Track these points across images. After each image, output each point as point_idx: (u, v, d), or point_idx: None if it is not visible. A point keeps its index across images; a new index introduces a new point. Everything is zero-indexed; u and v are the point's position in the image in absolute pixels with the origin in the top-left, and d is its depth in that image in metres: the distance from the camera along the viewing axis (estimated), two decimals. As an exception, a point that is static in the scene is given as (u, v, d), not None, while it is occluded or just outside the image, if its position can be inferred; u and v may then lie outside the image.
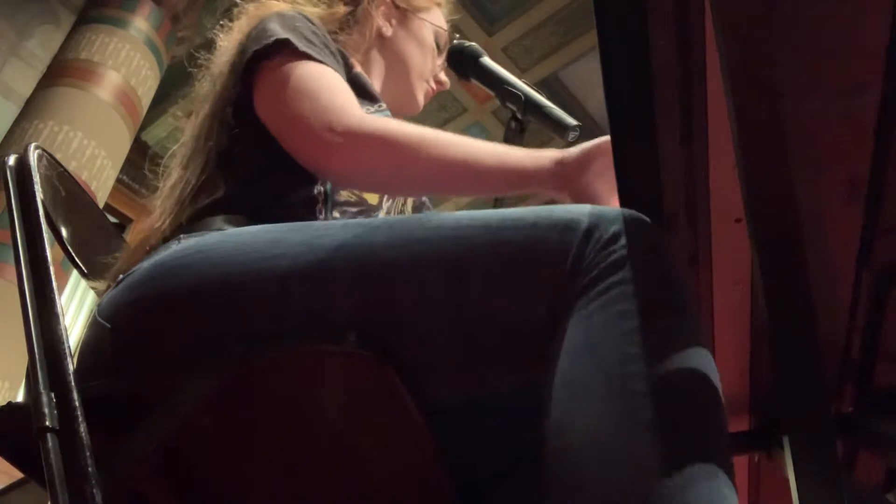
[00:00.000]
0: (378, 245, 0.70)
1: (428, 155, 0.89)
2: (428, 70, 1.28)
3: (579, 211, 0.67)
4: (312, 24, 1.07)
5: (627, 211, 0.67)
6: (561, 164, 0.89)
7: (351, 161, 0.90)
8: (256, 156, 0.96)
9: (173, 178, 1.00)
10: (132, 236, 1.02)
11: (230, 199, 0.93)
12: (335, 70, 1.00)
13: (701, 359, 0.61)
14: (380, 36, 1.22)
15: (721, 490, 0.55)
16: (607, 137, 0.89)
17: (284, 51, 0.97)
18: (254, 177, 0.96)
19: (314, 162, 0.92)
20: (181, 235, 0.85)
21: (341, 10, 1.18)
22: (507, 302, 0.66)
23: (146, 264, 0.77)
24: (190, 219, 0.91)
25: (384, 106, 1.11)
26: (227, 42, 1.08)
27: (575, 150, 0.91)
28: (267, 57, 0.97)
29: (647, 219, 0.67)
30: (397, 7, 1.25)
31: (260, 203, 0.92)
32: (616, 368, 0.59)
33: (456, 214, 0.71)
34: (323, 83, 0.95)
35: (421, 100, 1.28)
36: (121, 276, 0.80)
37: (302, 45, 0.98)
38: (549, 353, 0.63)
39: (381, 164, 0.90)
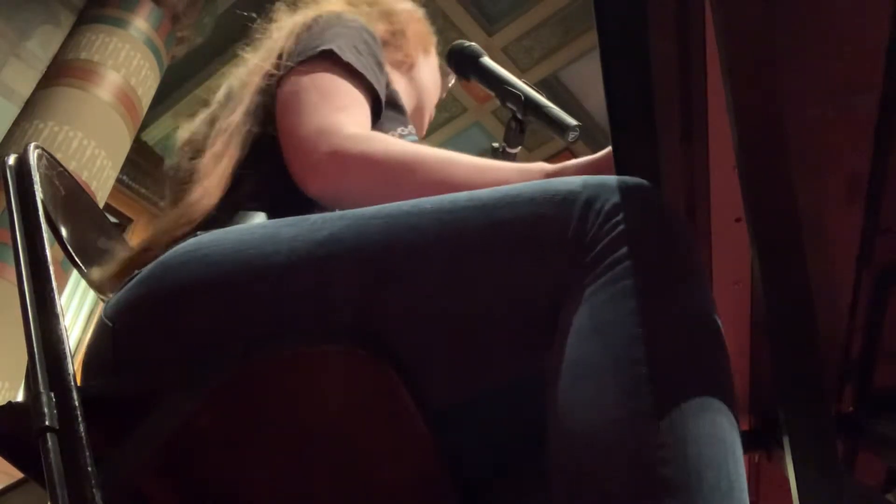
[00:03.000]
0: (374, 236, 0.69)
1: (414, 179, 0.87)
2: (434, 103, 1.32)
3: (577, 182, 0.65)
4: (370, 33, 1.07)
5: (627, 178, 0.65)
6: None
7: (330, 182, 0.88)
8: (276, 157, 0.95)
9: (195, 177, 0.98)
10: (137, 237, 1.01)
11: (248, 197, 0.91)
12: (369, 85, 0.98)
13: (708, 334, 0.59)
14: (410, 65, 1.23)
15: (727, 468, 0.54)
16: (601, 154, 0.89)
17: (322, 58, 0.97)
18: (272, 177, 0.95)
19: (297, 178, 0.90)
20: (198, 232, 0.84)
21: (381, 27, 1.18)
22: (509, 286, 0.65)
23: (150, 265, 0.77)
24: (206, 218, 0.90)
25: (413, 129, 1.10)
26: (284, 29, 1.07)
27: (570, 166, 0.90)
28: (305, 68, 0.97)
29: (647, 183, 0.64)
30: (422, 38, 1.26)
31: (275, 203, 0.91)
32: (622, 350, 0.57)
33: (453, 196, 0.69)
34: (332, 97, 0.94)
35: (425, 130, 1.31)
36: (130, 275, 0.80)
37: (347, 55, 0.97)
38: (554, 335, 0.62)
39: (361, 186, 0.88)
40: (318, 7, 1.12)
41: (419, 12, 1.29)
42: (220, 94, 1.07)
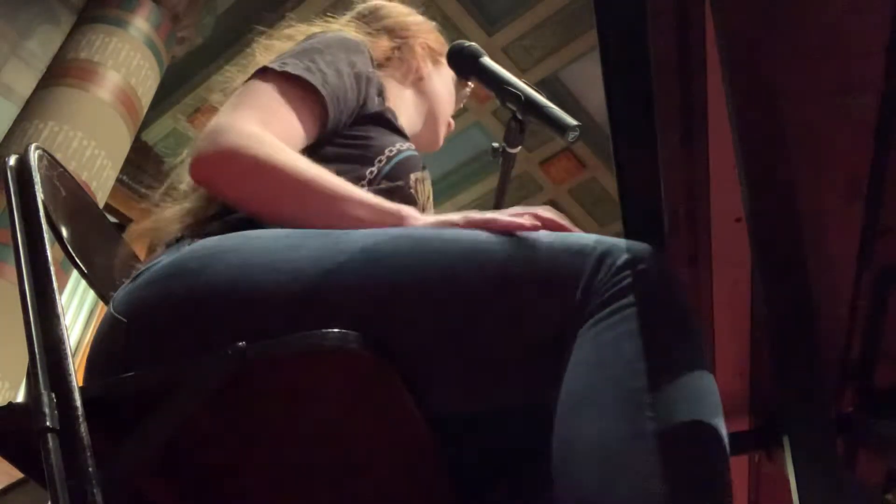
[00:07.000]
0: (394, 253, 0.71)
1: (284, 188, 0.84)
2: (450, 113, 1.31)
3: (590, 238, 0.70)
4: (352, 45, 1.05)
5: (636, 243, 0.69)
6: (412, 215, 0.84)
7: (208, 175, 0.87)
8: None
9: (189, 187, 0.98)
10: (137, 231, 1.01)
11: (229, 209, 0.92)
12: (310, 87, 0.94)
13: (704, 376, 0.63)
14: (418, 76, 1.23)
15: (717, 494, 0.57)
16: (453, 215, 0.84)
17: (260, 76, 0.95)
18: None
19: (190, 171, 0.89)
20: (195, 235, 0.85)
21: (385, 43, 1.18)
22: (516, 321, 0.68)
23: (165, 262, 0.77)
24: (205, 218, 0.91)
25: (413, 145, 1.08)
26: (261, 58, 1.08)
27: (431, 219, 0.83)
28: (245, 83, 0.97)
29: (655, 250, 0.69)
30: (432, 49, 1.26)
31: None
32: (624, 382, 0.61)
33: (475, 231, 0.72)
34: (252, 103, 0.92)
35: (442, 140, 1.30)
36: (136, 272, 0.79)
37: (288, 67, 0.94)
38: (557, 373, 0.65)
39: (237, 183, 0.86)
40: (300, 32, 1.12)
41: (429, 24, 1.29)
42: None
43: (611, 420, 0.59)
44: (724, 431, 0.62)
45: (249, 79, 0.96)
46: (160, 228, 0.93)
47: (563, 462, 0.61)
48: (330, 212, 0.82)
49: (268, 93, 0.93)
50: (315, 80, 0.94)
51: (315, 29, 1.12)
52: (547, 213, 0.76)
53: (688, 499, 0.56)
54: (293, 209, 0.83)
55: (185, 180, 1.00)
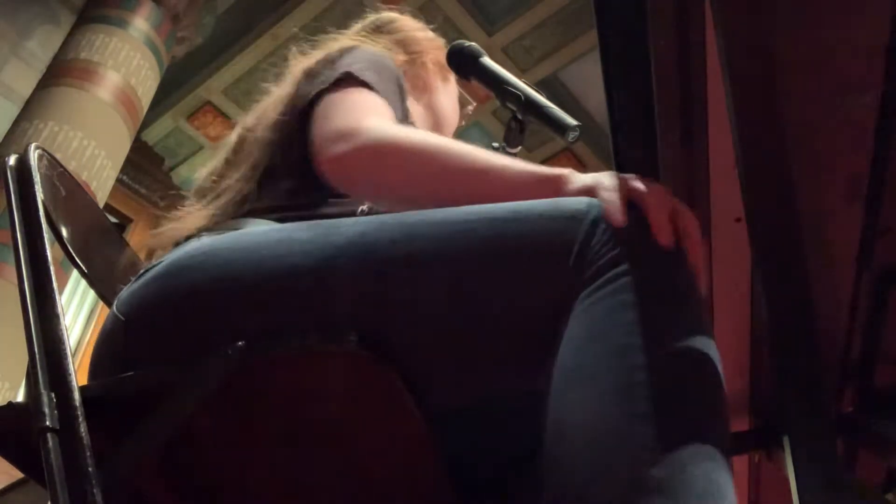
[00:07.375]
0: (383, 241, 0.70)
1: (443, 165, 0.82)
2: (454, 129, 1.32)
3: (584, 202, 0.67)
4: (389, 61, 1.07)
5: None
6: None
7: (345, 170, 0.86)
8: (294, 178, 0.95)
9: (210, 190, 0.99)
10: (137, 237, 1.01)
11: (261, 211, 0.92)
12: (389, 104, 0.97)
13: (704, 349, 0.60)
14: (428, 90, 1.25)
15: (717, 477, 0.55)
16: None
17: (344, 83, 0.96)
18: (287, 195, 0.95)
19: (319, 172, 0.89)
20: (203, 234, 0.86)
21: (400, 57, 1.20)
22: (512, 297, 0.66)
23: (166, 260, 0.77)
24: (217, 222, 0.91)
25: None
26: (298, 68, 1.08)
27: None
28: (329, 91, 0.96)
29: None
30: (441, 66, 1.28)
31: (288, 218, 0.92)
32: (618, 358, 0.58)
33: (464, 208, 0.71)
34: (360, 104, 0.93)
35: None
36: (142, 271, 0.80)
37: (366, 76, 0.97)
38: (553, 348, 0.63)
39: (379, 175, 0.86)
40: (337, 42, 1.13)
41: (439, 41, 1.30)
42: (249, 119, 1.08)
43: (605, 400, 0.57)
44: (726, 408, 0.59)
45: (329, 90, 0.96)
46: (180, 234, 0.92)
47: (554, 444, 0.59)
48: (502, 185, 0.78)
49: (363, 96, 0.95)
50: (384, 98, 0.96)
51: (348, 42, 1.12)
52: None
53: (679, 484, 0.53)
54: (450, 187, 0.81)
55: (200, 189, 1.00)
